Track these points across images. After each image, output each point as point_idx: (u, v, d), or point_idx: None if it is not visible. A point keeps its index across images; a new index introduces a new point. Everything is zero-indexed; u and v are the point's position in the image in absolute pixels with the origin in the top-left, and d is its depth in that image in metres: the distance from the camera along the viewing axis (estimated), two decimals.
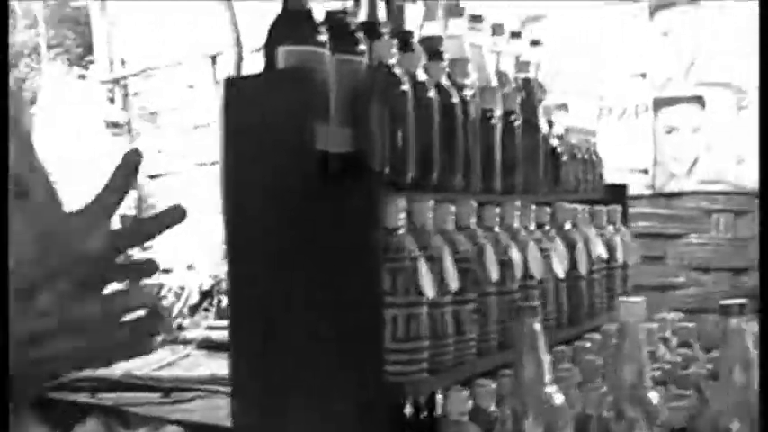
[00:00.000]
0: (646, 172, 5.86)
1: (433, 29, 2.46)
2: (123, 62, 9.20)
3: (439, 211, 2.05)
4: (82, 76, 9.94)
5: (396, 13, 2.36)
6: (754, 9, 5.51)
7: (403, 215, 1.90)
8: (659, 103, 5.78)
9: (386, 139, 1.96)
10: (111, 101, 9.26)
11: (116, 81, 9.22)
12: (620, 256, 3.07)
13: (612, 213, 3.16)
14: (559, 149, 2.89)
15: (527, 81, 2.74)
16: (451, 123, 2.18)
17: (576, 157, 3.07)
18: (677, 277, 5.76)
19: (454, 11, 2.57)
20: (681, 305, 5.63)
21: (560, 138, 2.96)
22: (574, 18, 5.93)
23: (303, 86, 1.89)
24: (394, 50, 2.01)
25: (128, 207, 8.35)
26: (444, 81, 2.20)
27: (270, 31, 2.02)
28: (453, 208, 2.10)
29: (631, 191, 5.78)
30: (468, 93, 2.30)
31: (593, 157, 3.22)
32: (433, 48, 2.41)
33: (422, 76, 2.11)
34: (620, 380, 1.75)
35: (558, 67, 5.88)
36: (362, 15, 2.23)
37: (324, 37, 2.02)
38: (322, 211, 1.86)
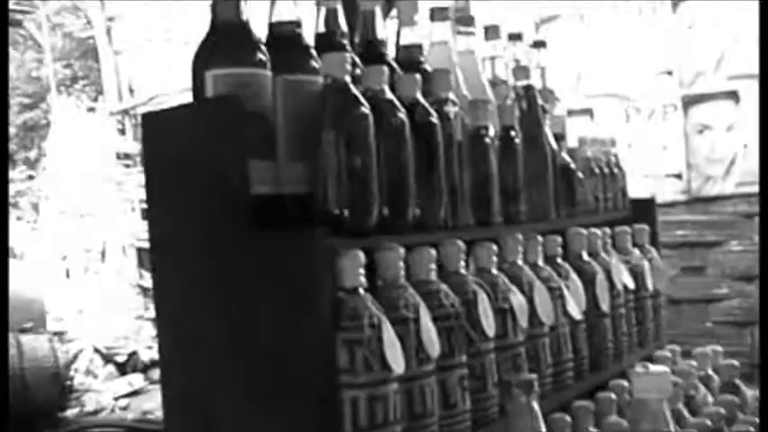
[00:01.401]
0: (679, 177, 5.46)
1: (411, 36, 2.09)
2: (132, 91, 8.88)
3: (414, 259, 1.67)
4: (91, 109, 9.63)
5: (366, 22, 1.99)
6: None
7: (362, 270, 1.52)
8: (689, 101, 5.40)
9: (342, 174, 1.58)
10: (122, 132, 8.94)
11: (126, 111, 8.90)
12: (649, 283, 2.67)
13: (639, 234, 2.76)
14: (572, 165, 2.51)
15: (528, 89, 2.36)
16: (429, 148, 1.80)
17: (594, 173, 2.68)
18: (720, 288, 5.36)
19: (438, 14, 2.19)
20: (726, 318, 5.24)
21: (573, 152, 2.57)
22: (591, 17, 5.55)
23: (231, 117, 1.52)
24: (347, 65, 1.63)
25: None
26: (419, 97, 1.82)
27: (197, 53, 1.66)
28: (434, 252, 1.71)
29: (665, 197, 5.42)
30: (452, 109, 1.92)
31: (615, 169, 2.82)
32: (409, 59, 2.04)
33: (388, 93, 1.73)
34: None
35: (579, 70, 5.51)
36: (320, 26, 1.86)
37: (263, 55, 1.65)
38: (257, 269, 1.49)
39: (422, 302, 1.59)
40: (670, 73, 5.43)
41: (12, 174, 13.88)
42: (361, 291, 1.50)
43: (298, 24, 1.73)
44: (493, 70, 2.40)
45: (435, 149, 1.81)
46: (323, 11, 1.85)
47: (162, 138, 1.61)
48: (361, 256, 1.51)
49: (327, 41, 1.81)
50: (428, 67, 2.03)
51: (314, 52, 1.72)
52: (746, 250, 5.31)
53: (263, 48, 1.64)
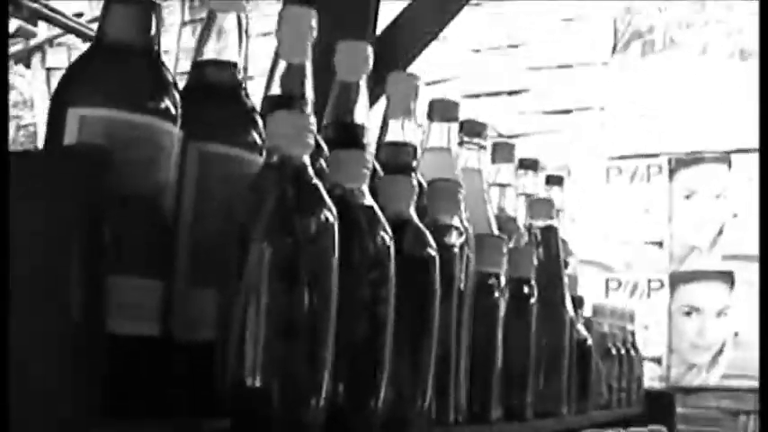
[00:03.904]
0: (659, 362, 4.84)
1: (402, 132, 1.42)
2: None
3: None
4: None
5: (343, 98, 1.33)
6: None
7: None
8: (678, 279, 4.81)
9: (275, 325, 0.90)
10: None
11: None
12: None
13: None
14: (589, 342, 1.86)
15: (548, 232, 1.71)
16: (421, 296, 1.13)
17: (610, 354, 2.04)
18: None
19: (442, 111, 1.54)
20: None
21: (589, 324, 1.93)
22: (578, 174, 4.99)
23: (88, 184, 0.83)
24: (309, 137, 0.97)
25: None
26: (413, 215, 1.16)
27: (63, 78, 0.96)
28: None
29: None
30: (456, 241, 1.26)
31: (632, 352, 2.18)
32: (396, 162, 1.38)
33: (368, 197, 1.06)
34: None
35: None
36: (274, 87, 1.20)
37: (172, 104, 0.96)
38: None
39: None
40: (660, 245, 4.87)
41: None
42: None
43: (235, 68, 1.06)
44: (500, 202, 1.75)
45: (429, 300, 1.14)
46: (281, 65, 1.18)
47: None
48: None
49: (282, 108, 1.15)
50: (422, 179, 1.37)
51: (257, 117, 1.06)
52: None
53: (173, 92, 0.96)
